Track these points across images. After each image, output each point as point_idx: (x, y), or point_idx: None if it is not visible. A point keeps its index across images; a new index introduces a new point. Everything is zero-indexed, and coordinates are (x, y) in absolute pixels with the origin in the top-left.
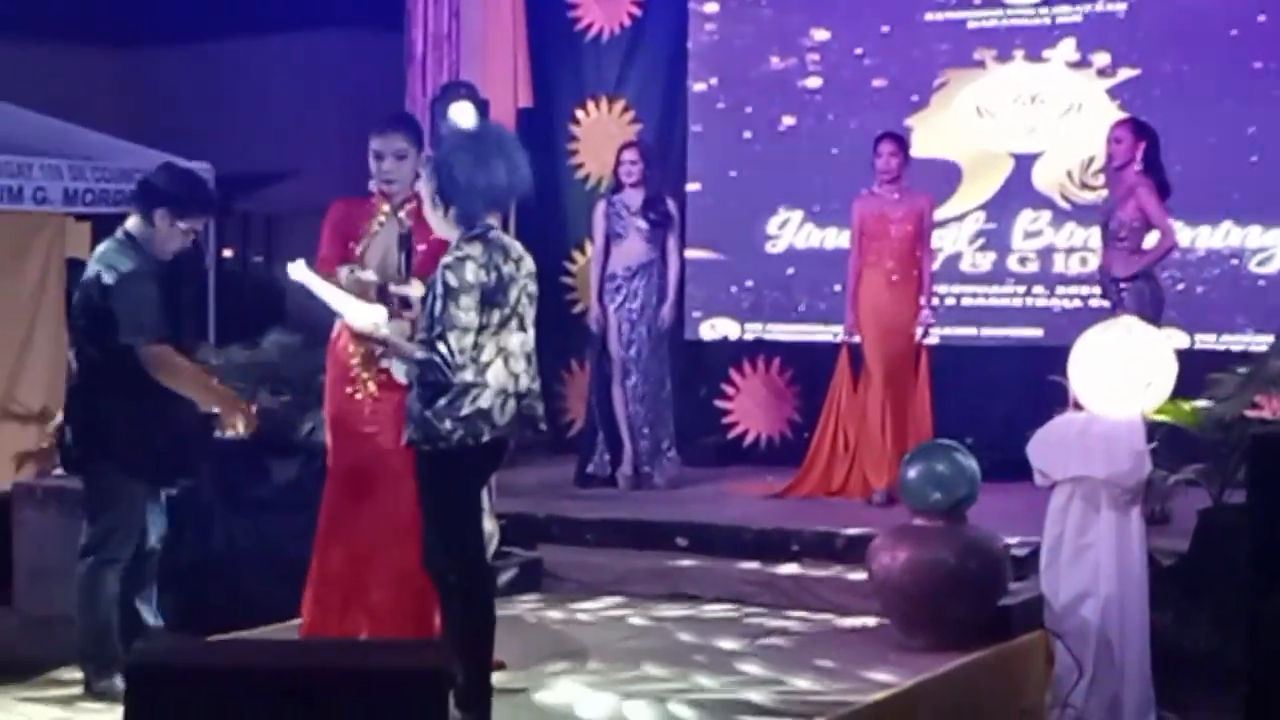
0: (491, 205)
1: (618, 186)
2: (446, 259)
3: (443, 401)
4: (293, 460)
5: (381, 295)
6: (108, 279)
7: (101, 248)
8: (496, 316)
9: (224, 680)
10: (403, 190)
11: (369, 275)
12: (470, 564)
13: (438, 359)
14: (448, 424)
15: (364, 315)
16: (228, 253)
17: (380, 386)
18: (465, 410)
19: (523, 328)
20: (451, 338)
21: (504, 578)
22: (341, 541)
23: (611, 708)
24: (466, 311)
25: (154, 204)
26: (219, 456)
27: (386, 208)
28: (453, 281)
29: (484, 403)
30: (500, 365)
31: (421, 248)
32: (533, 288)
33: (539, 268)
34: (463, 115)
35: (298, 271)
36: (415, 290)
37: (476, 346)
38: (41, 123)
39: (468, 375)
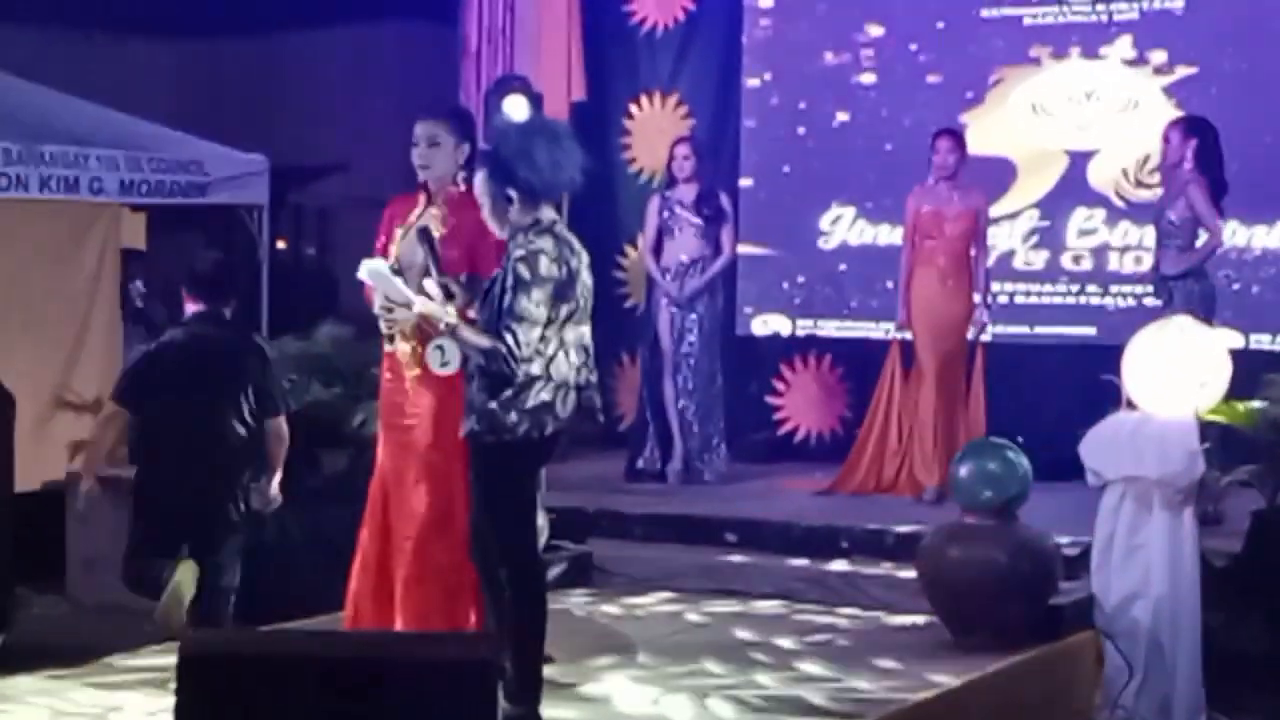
0: (571, 183)
1: (671, 181)
2: (517, 252)
3: (508, 393)
4: (343, 452)
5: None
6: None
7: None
8: (564, 311)
9: (274, 670)
10: (438, 178)
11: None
12: (523, 556)
13: (504, 350)
14: (513, 416)
15: (430, 305)
16: (281, 244)
17: (421, 380)
18: (530, 403)
19: (583, 321)
20: (520, 330)
21: (553, 572)
22: (378, 534)
23: (659, 702)
24: (537, 305)
25: None
26: None
27: (421, 202)
28: (525, 274)
29: (547, 395)
30: (562, 358)
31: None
32: (590, 282)
33: (591, 262)
34: (516, 108)
35: (369, 271)
36: (426, 305)
37: (544, 339)
38: (97, 113)
39: (534, 368)
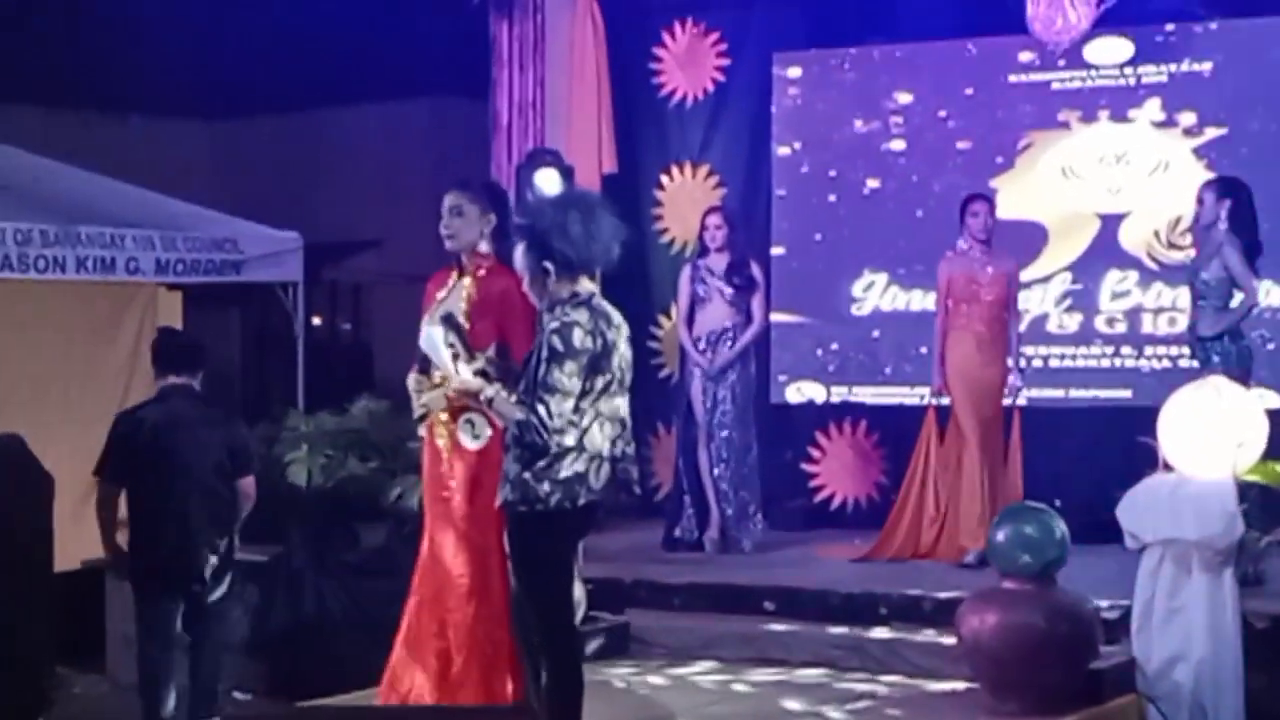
0: (607, 254)
1: (703, 251)
2: (552, 324)
3: (541, 464)
4: (381, 525)
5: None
6: None
7: None
8: (600, 383)
9: None
10: (463, 247)
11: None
12: (559, 627)
13: (535, 421)
14: (546, 486)
15: (470, 379)
16: (316, 320)
17: (456, 452)
18: (563, 474)
19: (620, 393)
20: (552, 401)
21: (591, 643)
22: (420, 604)
23: None
24: (570, 377)
25: None
26: (310, 522)
27: (454, 274)
28: (559, 346)
29: (580, 466)
30: (597, 430)
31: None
32: (629, 354)
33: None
34: (548, 182)
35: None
36: (468, 379)
37: (579, 411)
38: (133, 194)
39: (568, 440)
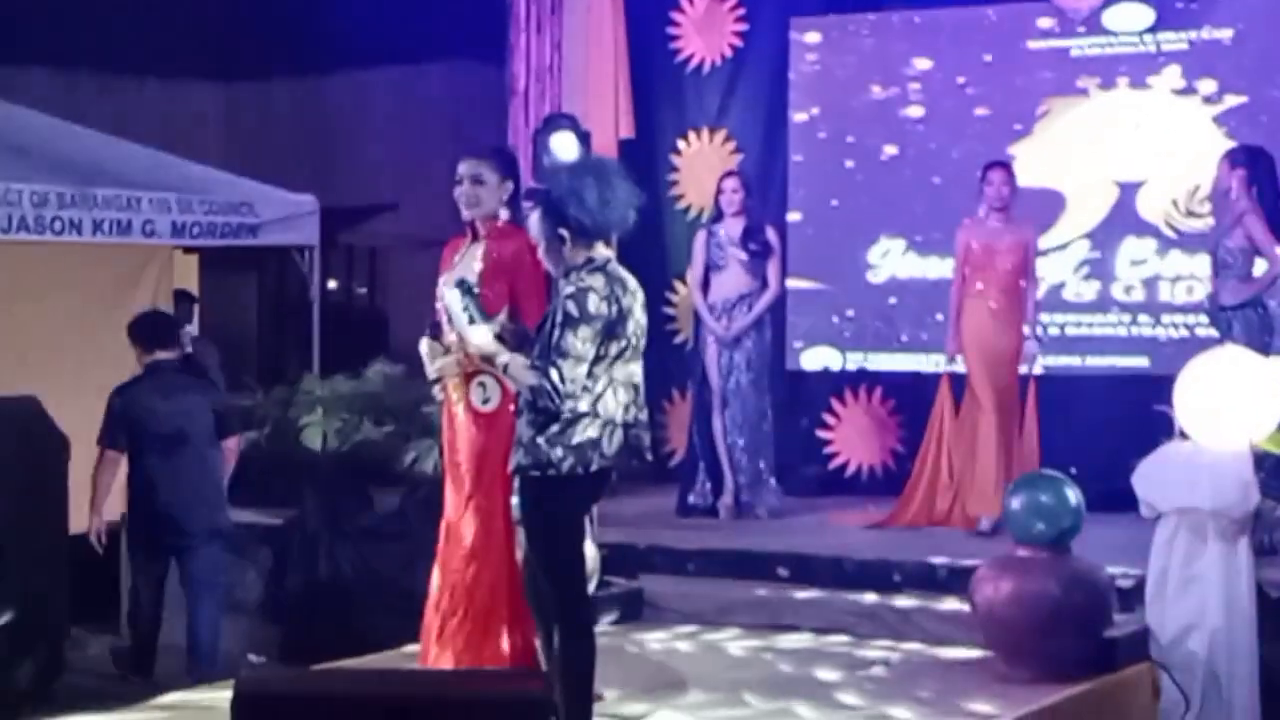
0: (623, 222)
1: (718, 216)
2: (568, 289)
3: (555, 429)
4: (396, 490)
5: (433, 331)
6: None
7: None
8: (614, 348)
9: (328, 708)
10: (483, 215)
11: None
12: (571, 591)
13: (548, 386)
14: (559, 451)
15: (486, 340)
16: (332, 284)
17: (467, 417)
18: (576, 439)
19: (634, 359)
20: (565, 366)
21: (605, 608)
22: (440, 569)
23: None
24: (584, 342)
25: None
26: (324, 486)
27: (466, 241)
28: (574, 311)
29: (593, 432)
30: (610, 396)
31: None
32: (644, 319)
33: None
34: (565, 147)
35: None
36: (484, 340)
37: (592, 376)
38: (150, 156)
39: (581, 405)
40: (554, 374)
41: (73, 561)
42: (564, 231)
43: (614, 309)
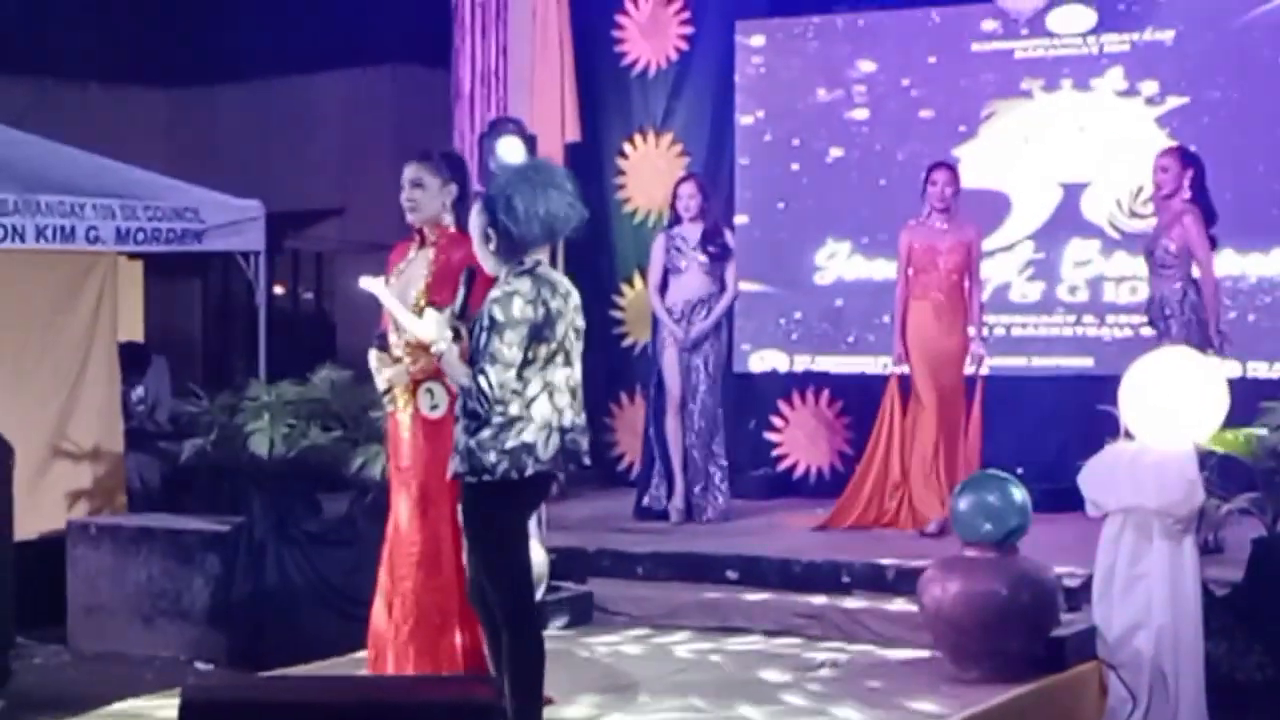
0: (549, 235)
1: (675, 220)
2: (494, 293)
3: (487, 434)
4: (344, 495)
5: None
6: None
7: None
8: (543, 351)
9: (276, 716)
10: (424, 219)
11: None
12: (517, 598)
13: (475, 390)
14: (492, 456)
15: (425, 329)
16: (278, 289)
17: (414, 423)
18: (510, 443)
19: (569, 362)
20: (492, 372)
21: (554, 612)
22: (385, 573)
23: None
24: (510, 347)
25: None
26: (271, 492)
27: (415, 245)
28: (499, 316)
29: (528, 436)
30: (545, 400)
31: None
32: (580, 322)
33: (587, 301)
34: (511, 151)
35: (369, 283)
36: (421, 328)
37: (523, 380)
38: (93, 163)
39: (513, 409)
40: (481, 379)
41: (20, 569)
42: (490, 232)
43: (540, 312)
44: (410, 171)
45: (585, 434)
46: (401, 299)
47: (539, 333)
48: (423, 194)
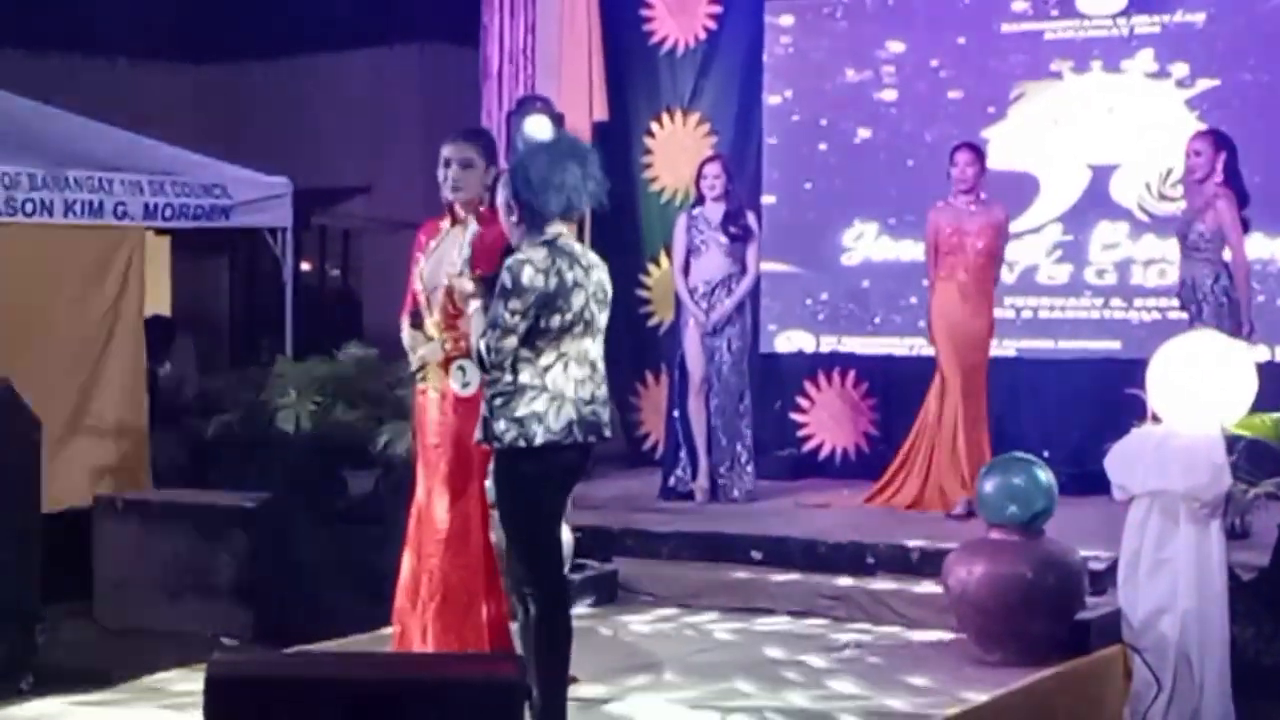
0: (565, 205)
1: (699, 200)
2: (509, 260)
3: (499, 401)
4: (369, 472)
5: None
6: None
7: None
8: (556, 321)
9: (300, 692)
10: (468, 200)
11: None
12: (543, 572)
13: (476, 352)
14: (501, 424)
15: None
16: (306, 266)
17: (444, 400)
18: (519, 411)
19: (588, 334)
20: (491, 336)
21: (579, 591)
22: (412, 552)
23: None
24: (513, 314)
25: None
26: (297, 469)
27: (446, 223)
28: (507, 282)
29: (539, 406)
30: (560, 370)
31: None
32: (603, 296)
33: (613, 280)
34: (538, 128)
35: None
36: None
37: (535, 349)
38: (122, 138)
39: (524, 377)
40: (481, 343)
41: (45, 543)
42: (513, 204)
43: (552, 282)
44: (458, 150)
45: (606, 406)
46: (434, 277)
47: (551, 302)
48: (470, 174)
